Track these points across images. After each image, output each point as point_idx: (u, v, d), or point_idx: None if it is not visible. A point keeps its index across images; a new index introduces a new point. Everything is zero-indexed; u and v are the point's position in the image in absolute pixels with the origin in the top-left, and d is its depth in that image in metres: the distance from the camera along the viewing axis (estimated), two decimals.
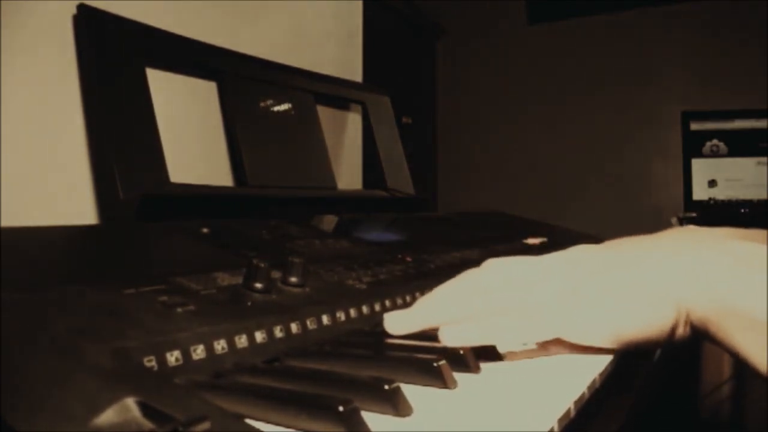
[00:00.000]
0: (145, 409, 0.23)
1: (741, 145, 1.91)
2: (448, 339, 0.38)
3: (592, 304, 0.39)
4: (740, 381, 1.39)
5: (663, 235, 0.44)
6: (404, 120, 2.18)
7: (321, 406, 0.25)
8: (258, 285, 0.41)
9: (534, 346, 0.41)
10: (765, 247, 0.37)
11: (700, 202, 1.90)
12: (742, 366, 0.37)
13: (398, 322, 0.42)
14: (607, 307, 0.39)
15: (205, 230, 0.54)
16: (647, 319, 0.38)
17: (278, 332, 0.37)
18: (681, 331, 0.39)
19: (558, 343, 0.40)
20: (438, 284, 0.45)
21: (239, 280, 0.42)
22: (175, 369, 0.30)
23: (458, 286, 0.44)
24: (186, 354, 0.31)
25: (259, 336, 0.36)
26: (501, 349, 0.39)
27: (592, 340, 0.39)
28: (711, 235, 0.41)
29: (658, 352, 0.50)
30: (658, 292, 0.38)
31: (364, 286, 0.49)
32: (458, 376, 0.33)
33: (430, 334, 0.40)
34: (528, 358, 0.40)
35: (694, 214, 1.79)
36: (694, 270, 0.38)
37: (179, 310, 0.35)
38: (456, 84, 2.69)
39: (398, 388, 0.28)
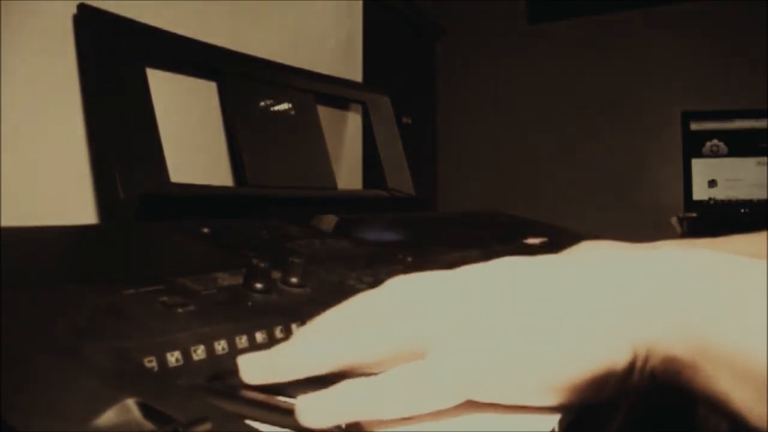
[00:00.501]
0: (146, 409, 0.23)
1: (741, 145, 1.91)
2: (307, 416, 0.25)
3: (512, 347, 0.27)
4: None
5: (627, 250, 0.35)
6: (404, 120, 2.18)
7: None
8: (258, 285, 0.41)
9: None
10: (760, 261, 0.27)
11: (700, 202, 1.90)
12: None
13: (255, 369, 0.30)
14: (533, 352, 0.27)
15: (205, 230, 0.54)
16: (590, 364, 0.26)
17: (279, 333, 0.37)
18: (637, 377, 0.27)
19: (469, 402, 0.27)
20: None
21: (239, 280, 0.42)
22: (176, 369, 0.30)
23: (345, 314, 0.33)
24: (186, 354, 0.31)
25: (260, 336, 0.36)
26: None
27: (513, 398, 0.27)
28: (685, 246, 0.32)
29: None
30: (608, 326, 0.26)
31: (364, 286, 0.49)
32: None
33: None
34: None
35: (694, 214, 1.79)
36: (663, 295, 0.26)
37: (179, 310, 0.35)
38: (456, 84, 2.69)
39: None
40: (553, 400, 0.27)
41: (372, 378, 0.27)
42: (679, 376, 0.26)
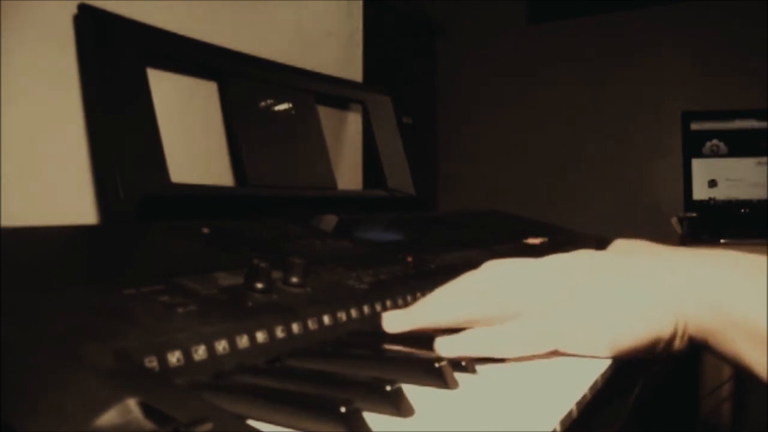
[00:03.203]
0: (147, 409, 0.23)
1: (741, 145, 1.91)
2: (443, 350, 0.37)
3: (589, 313, 0.38)
4: (740, 381, 1.39)
5: (664, 248, 0.43)
6: (404, 120, 2.18)
7: (322, 407, 0.25)
8: (259, 285, 0.41)
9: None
10: (764, 257, 0.37)
11: (700, 202, 1.90)
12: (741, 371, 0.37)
13: (396, 321, 0.42)
14: (605, 318, 0.38)
15: (205, 230, 0.54)
16: (646, 330, 0.37)
17: (279, 332, 0.37)
18: (678, 343, 0.38)
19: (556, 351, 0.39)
20: (438, 284, 0.45)
21: (240, 280, 0.42)
22: (176, 369, 0.30)
23: (456, 287, 0.44)
24: (187, 354, 0.31)
25: (260, 336, 0.36)
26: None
27: (589, 351, 0.38)
28: (710, 250, 0.42)
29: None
30: (657, 303, 0.38)
31: (364, 286, 0.49)
32: (459, 377, 0.33)
33: (428, 334, 0.40)
34: (529, 359, 0.39)
35: (694, 214, 1.78)
36: (693, 280, 0.37)
37: (180, 310, 0.35)
38: (456, 84, 2.68)
39: (400, 388, 0.28)
40: (615, 355, 0.38)
41: (486, 328, 0.38)
42: (707, 340, 0.37)
